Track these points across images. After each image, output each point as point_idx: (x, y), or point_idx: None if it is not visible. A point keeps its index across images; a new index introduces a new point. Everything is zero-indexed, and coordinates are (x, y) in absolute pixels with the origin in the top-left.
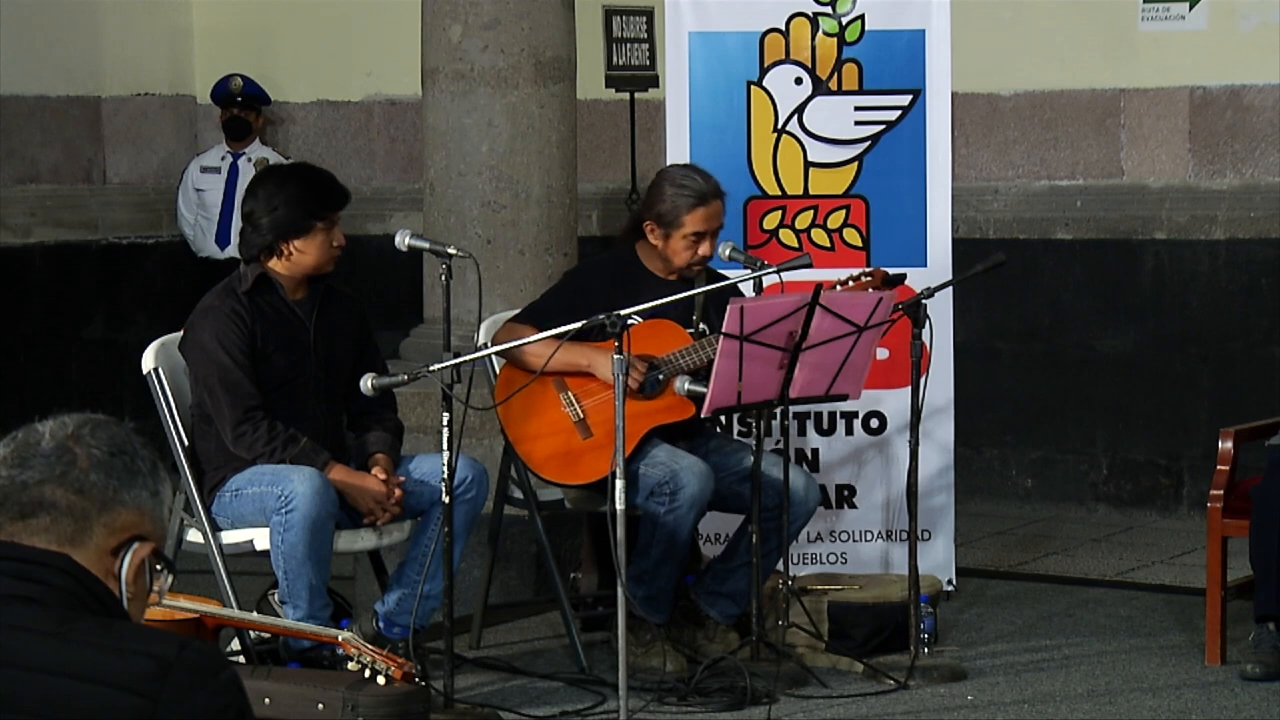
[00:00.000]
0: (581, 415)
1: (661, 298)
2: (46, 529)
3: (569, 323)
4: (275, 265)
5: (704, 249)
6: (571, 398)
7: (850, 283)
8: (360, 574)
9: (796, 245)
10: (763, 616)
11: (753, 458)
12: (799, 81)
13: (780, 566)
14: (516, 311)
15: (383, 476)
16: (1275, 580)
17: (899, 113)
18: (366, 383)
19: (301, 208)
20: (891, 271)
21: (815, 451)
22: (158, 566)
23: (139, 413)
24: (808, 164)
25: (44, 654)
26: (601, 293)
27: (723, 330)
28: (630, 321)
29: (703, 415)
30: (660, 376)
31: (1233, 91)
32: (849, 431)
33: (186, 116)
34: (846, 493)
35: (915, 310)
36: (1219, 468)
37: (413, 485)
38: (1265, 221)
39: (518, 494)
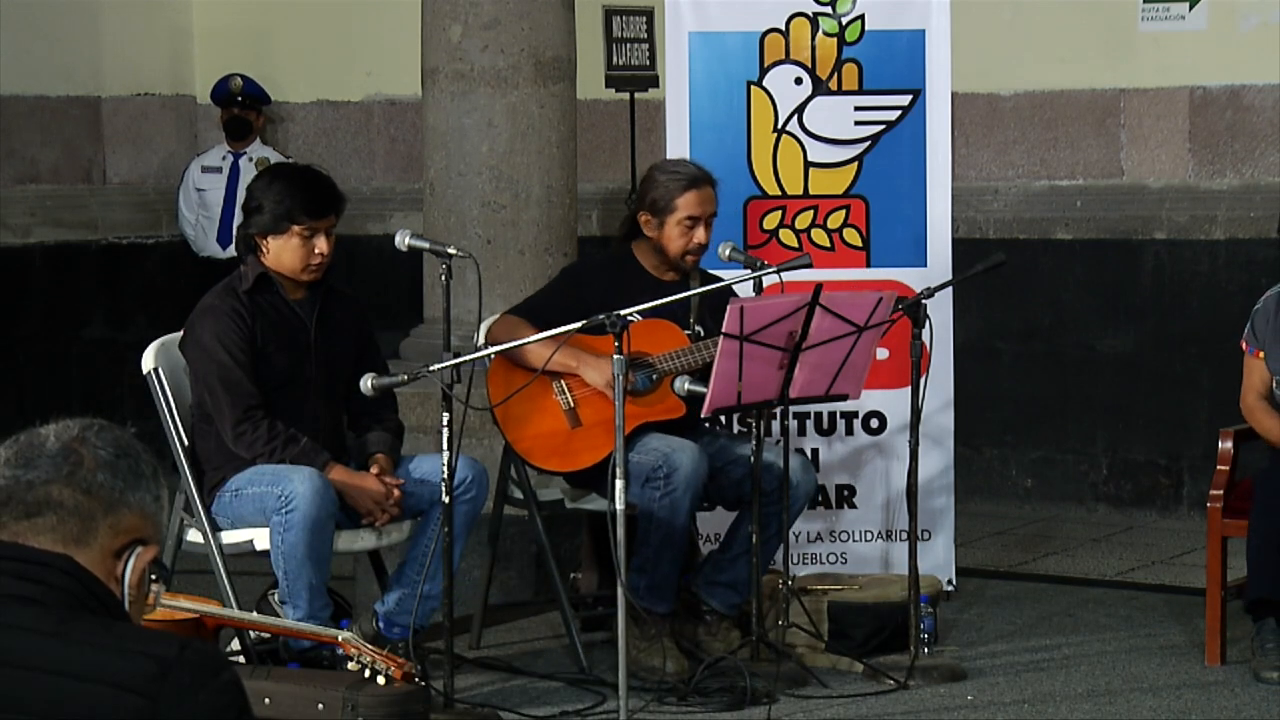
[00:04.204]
0: (572, 404)
1: (657, 297)
2: (52, 528)
3: (564, 319)
4: (267, 262)
5: (699, 235)
6: (564, 386)
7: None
8: (360, 574)
9: (796, 245)
10: (762, 616)
11: (751, 451)
12: (799, 81)
13: (780, 566)
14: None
15: (380, 473)
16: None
17: (899, 113)
18: (366, 383)
19: (281, 207)
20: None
21: (815, 451)
22: (153, 576)
23: (139, 413)
24: (808, 164)
25: (45, 654)
26: (597, 291)
27: (723, 330)
28: (630, 319)
29: (703, 415)
30: (654, 376)
31: (1233, 91)
32: (849, 431)
33: (186, 116)
34: (846, 493)
35: (915, 310)
36: (1219, 468)
37: (413, 485)
38: (1265, 221)
39: (518, 494)
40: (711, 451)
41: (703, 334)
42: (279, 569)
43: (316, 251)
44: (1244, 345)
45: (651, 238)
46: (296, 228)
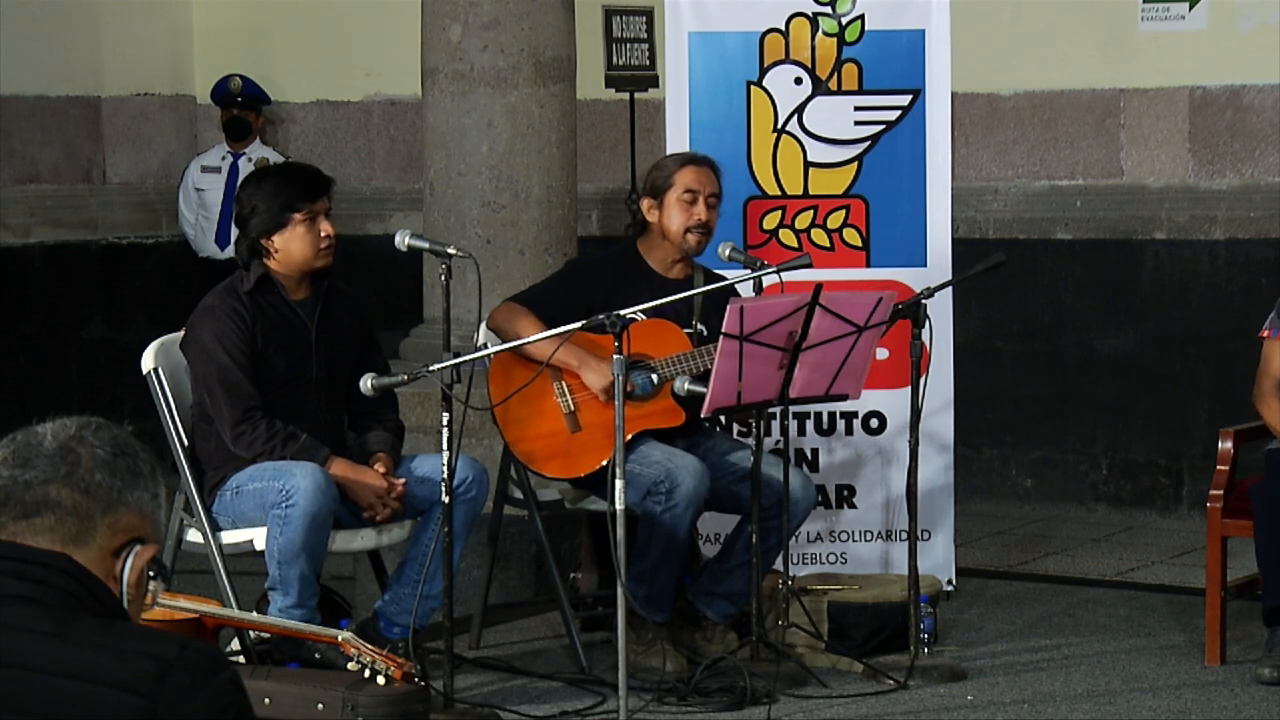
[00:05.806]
0: (573, 408)
1: (660, 296)
2: (50, 528)
3: (566, 313)
4: (272, 265)
5: (699, 210)
6: (565, 388)
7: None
8: (360, 574)
9: (796, 245)
10: (762, 616)
11: (751, 458)
12: (799, 81)
13: (780, 566)
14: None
15: (383, 471)
16: None
17: (899, 113)
18: (366, 383)
19: (276, 202)
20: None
21: (815, 451)
22: (151, 574)
23: (139, 413)
24: (807, 164)
25: (44, 654)
26: (601, 287)
27: (723, 330)
28: (631, 318)
29: (702, 415)
30: (655, 379)
31: (1233, 91)
32: (849, 431)
33: (186, 116)
34: (846, 493)
35: (915, 310)
36: (1219, 468)
37: (413, 485)
38: (1265, 221)
39: (518, 494)
40: (711, 461)
41: (705, 334)
42: (271, 558)
43: (323, 235)
44: (1265, 333)
45: (654, 224)
46: (297, 215)
